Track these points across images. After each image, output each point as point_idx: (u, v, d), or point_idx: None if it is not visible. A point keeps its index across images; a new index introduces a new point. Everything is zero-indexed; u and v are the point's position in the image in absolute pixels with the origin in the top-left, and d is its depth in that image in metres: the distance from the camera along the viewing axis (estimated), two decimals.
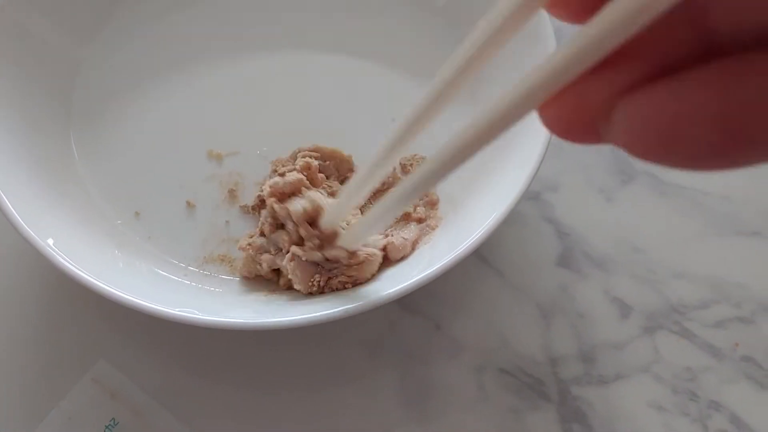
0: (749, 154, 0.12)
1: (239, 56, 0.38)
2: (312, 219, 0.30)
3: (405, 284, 0.28)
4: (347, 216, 0.31)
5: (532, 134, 0.31)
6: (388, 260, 0.32)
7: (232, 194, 0.35)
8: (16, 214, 0.29)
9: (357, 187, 0.25)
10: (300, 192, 0.31)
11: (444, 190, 0.34)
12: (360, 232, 0.28)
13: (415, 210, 0.34)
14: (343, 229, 0.30)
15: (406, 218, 0.34)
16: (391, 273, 0.31)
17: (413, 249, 0.32)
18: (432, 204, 0.34)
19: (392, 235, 0.32)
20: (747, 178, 0.38)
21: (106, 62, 0.37)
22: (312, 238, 0.30)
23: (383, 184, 0.34)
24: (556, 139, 0.30)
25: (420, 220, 0.34)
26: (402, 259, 0.32)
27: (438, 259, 0.29)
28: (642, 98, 0.12)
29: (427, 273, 0.28)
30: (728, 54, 0.12)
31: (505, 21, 0.16)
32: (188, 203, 0.35)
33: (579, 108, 0.14)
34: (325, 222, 0.29)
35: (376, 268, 0.31)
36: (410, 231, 0.33)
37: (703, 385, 0.33)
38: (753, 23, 0.12)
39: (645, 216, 0.37)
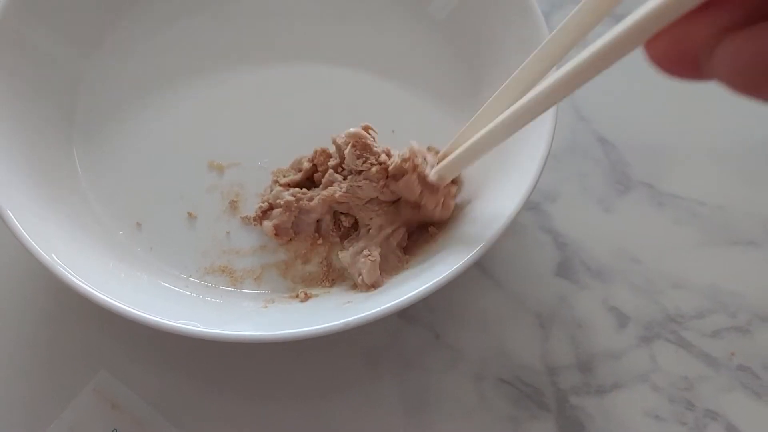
0: None
1: (239, 68, 0.38)
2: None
3: (405, 297, 0.28)
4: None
5: (532, 146, 0.31)
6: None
7: (233, 205, 0.35)
8: (20, 226, 0.29)
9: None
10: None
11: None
12: (454, 164, 0.30)
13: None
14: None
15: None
16: (391, 284, 0.31)
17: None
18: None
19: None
20: (742, 188, 0.38)
21: (108, 75, 0.38)
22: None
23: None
24: (554, 150, 0.31)
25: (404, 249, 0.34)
26: (374, 285, 0.32)
27: (439, 271, 0.29)
28: (745, 37, 0.13)
29: (427, 285, 0.28)
30: None
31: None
32: (189, 214, 0.35)
33: (684, 44, 0.15)
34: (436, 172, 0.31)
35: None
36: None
37: (699, 395, 0.34)
38: None
39: (642, 226, 0.37)
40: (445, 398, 0.33)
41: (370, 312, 0.28)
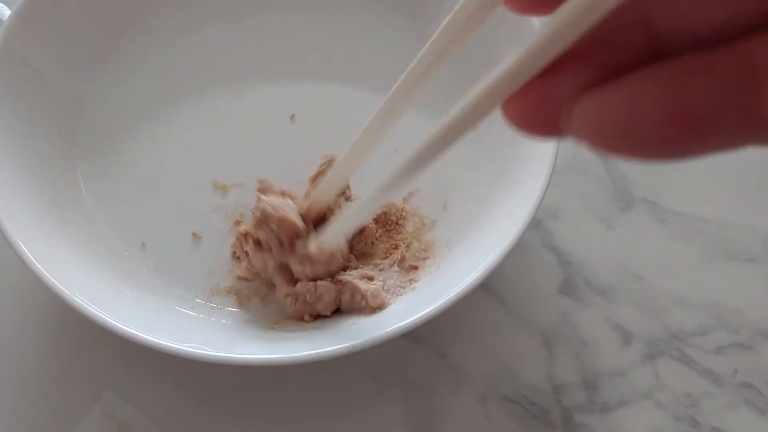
0: (702, 141, 0.13)
1: (242, 88, 0.38)
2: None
3: (412, 319, 0.28)
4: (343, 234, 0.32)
5: (535, 164, 0.31)
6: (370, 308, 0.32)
7: (237, 225, 0.35)
8: (25, 249, 0.29)
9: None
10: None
11: (441, 233, 0.35)
12: (337, 229, 0.29)
13: (405, 255, 0.34)
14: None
15: (400, 263, 0.34)
16: (397, 305, 0.31)
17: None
18: (427, 247, 0.35)
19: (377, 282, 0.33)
20: (743, 204, 0.39)
21: (110, 96, 0.38)
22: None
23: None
24: (556, 167, 0.31)
25: (411, 268, 0.34)
26: (378, 308, 0.32)
27: (446, 291, 0.29)
28: (600, 95, 0.13)
29: (435, 306, 0.28)
30: (675, 54, 0.13)
31: (468, 18, 0.19)
32: (194, 235, 0.35)
33: (540, 104, 0.15)
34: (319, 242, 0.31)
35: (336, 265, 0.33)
36: (391, 278, 0.33)
37: (703, 411, 0.34)
38: (689, 27, 0.13)
39: (644, 243, 0.38)
40: (451, 418, 0.33)
41: (377, 335, 0.28)
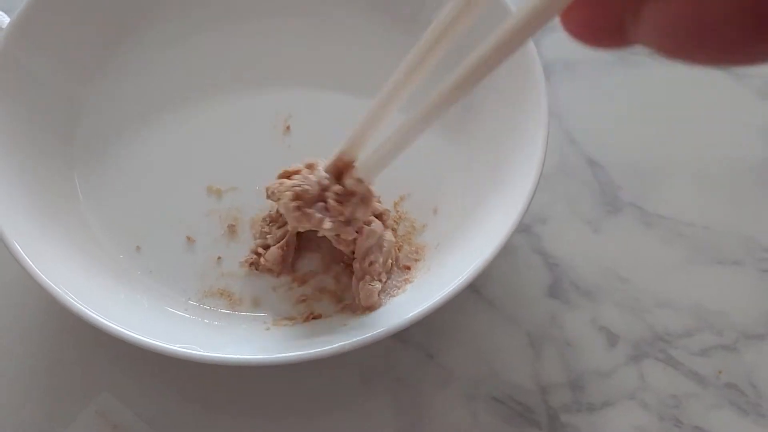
0: None
1: (238, 92, 0.39)
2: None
3: (401, 320, 0.29)
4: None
5: (523, 168, 0.32)
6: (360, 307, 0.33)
7: (231, 229, 0.36)
8: (21, 251, 0.30)
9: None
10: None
11: (431, 237, 0.36)
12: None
13: (398, 256, 0.35)
14: None
15: (396, 263, 0.34)
16: (386, 307, 0.32)
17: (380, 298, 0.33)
18: (417, 250, 0.35)
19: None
20: (727, 208, 0.39)
21: (107, 100, 0.38)
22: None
23: None
24: (544, 172, 0.31)
25: (405, 268, 0.34)
26: (369, 309, 0.32)
27: (434, 293, 0.30)
28: None
29: (423, 308, 0.29)
30: None
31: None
32: (188, 238, 0.36)
33: (602, 12, 0.14)
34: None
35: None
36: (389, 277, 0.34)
37: (687, 412, 0.35)
38: None
39: (631, 246, 0.38)
40: (438, 417, 0.34)
41: (366, 336, 0.29)
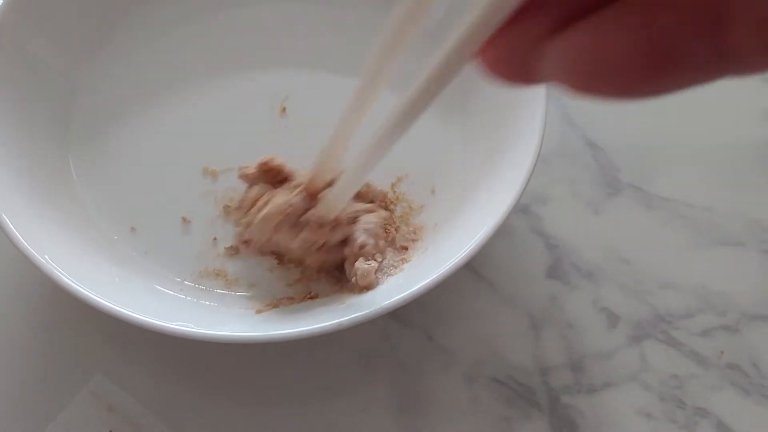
0: (672, 77, 0.13)
1: (234, 75, 0.39)
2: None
3: (399, 297, 0.28)
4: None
5: (521, 149, 0.32)
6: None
7: (226, 210, 0.35)
8: (15, 231, 0.30)
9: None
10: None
11: (429, 218, 0.35)
12: (340, 194, 0.30)
13: (395, 236, 0.34)
14: None
15: (392, 243, 0.34)
16: (383, 285, 0.32)
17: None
18: (415, 230, 0.35)
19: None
20: (730, 189, 0.39)
21: (103, 82, 0.38)
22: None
23: None
24: (543, 154, 0.31)
25: (402, 248, 0.34)
26: (366, 288, 0.32)
27: (431, 272, 0.29)
28: (568, 37, 0.13)
29: (420, 285, 0.29)
30: None
31: None
32: (184, 219, 0.35)
33: (512, 50, 0.15)
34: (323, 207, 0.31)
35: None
36: (385, 257, 0.34)
37: (689, 393, 0.34)
38: None
39: (631, 228, 0.38)
40: (438, 399, 0.34)
41: (363, 313, 0.28)
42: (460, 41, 0.16)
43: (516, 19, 0.15)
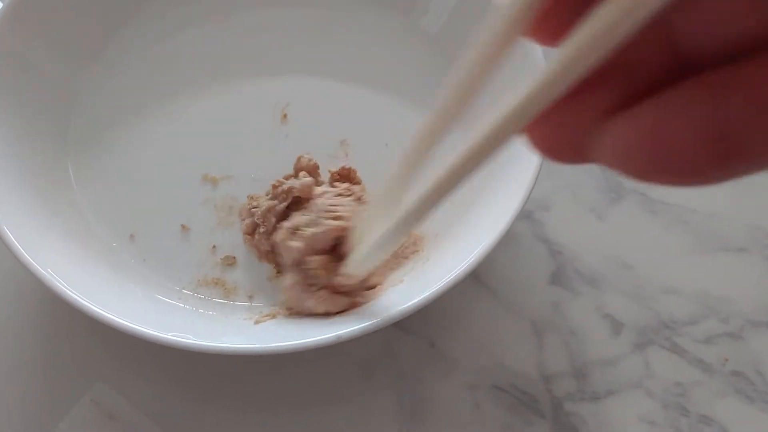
0: (741, 165, 0.12)
1: (233, 81, 0.38)
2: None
3: (400, 308, 0.28)
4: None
5: (525, 156, 0.32)
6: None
7: (226, 218, 0.35)
8: (14, 240, 0.29)
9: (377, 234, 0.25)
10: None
11: (429, 228, 0.35)
12: (363, 259, 0.28)
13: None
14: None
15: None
16: (386, 295, 0.31)
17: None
18: (415, 242, 0.34)
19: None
20: (732, 195, 0.39)
21: (102, 89, 0.38)
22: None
23: None
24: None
25: (404, 259, 0.34)
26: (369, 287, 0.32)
27: (435, 281, 0.29)
28: (626, 120, 0.12)
29: (424, 296, 0.28)
30: (704, 69, 0.12)
31: (487, 50, 0.16)
32: (183, 227, 0.35)
33: (564, 129, 0.14)
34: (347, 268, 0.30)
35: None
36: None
37: (693, 400, 0.34)
38: (716, 37, 0.12)
39: (635, 234, 0.38)
40: (441, 407, 0.33)
41: (363, 325, 0.28)
42: (508, 117, 0.15)
43: (570, 96, 0.13)
